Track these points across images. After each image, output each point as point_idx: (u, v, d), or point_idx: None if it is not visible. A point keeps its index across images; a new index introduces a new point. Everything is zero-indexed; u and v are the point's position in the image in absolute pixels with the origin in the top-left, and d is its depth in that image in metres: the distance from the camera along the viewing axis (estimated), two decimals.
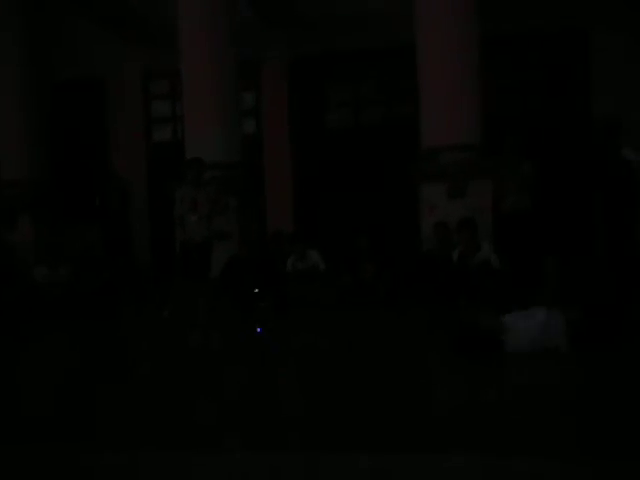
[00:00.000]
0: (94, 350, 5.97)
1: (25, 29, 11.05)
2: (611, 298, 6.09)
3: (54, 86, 12.39)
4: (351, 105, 12.63)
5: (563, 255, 8.97)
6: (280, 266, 8.40)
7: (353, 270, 8.45)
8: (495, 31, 10.17)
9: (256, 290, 7.70)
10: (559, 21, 11.11)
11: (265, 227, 11.20)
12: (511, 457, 2.56)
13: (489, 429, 2.91)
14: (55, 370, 5.02)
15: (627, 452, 2.55)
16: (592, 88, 11.21)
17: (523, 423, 2.96)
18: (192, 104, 9.57)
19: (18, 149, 10.90)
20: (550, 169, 10.35)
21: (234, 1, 9.82)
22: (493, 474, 2.50)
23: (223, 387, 4.18)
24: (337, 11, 11.33)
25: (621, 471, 2.46)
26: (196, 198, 7.69)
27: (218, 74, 9.48)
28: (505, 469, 2.50)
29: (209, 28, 9.47)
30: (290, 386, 4.22)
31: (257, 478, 2.62)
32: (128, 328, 7.55)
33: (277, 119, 12.35)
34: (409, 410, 3.31)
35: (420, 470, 2.54)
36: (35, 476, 2.85)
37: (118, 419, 3.39)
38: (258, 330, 6.18)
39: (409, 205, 9.67)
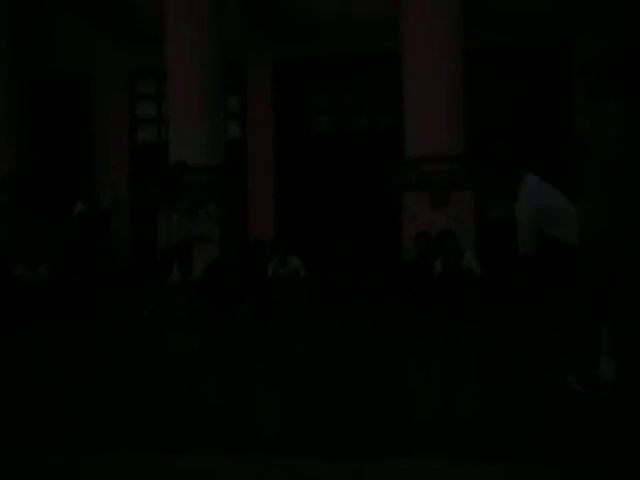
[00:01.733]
0: (71, 351, 5.94)
1: (10, 23, 10.97)
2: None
3: (40, 81, 12.30)
4: (335, 112, 12.67)
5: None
6: (261, 271, 8.41)
7: (334, 277, 8.49)
8: (479, 43, 10.28)
9: (243, 310, 7.75)
10: (542, 34, 11.23)
11: (247, 232, 11.19)
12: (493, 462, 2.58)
13: (466, 434, 2.94)
14: (30, 372, 4.98)
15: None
16: (574, 101, 11.34)
17: (500, 428, 2.99)
18: (177, 105, 9.58)
19: (1, 143, 10.84)
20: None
21: (222, 3, 9.84)
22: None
23: (200, 390, 4.17)
24: (323, 16, 11.38)
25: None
26: (178, 199, 7.70)
27: (204, 76, 9.50)
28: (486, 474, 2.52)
29: (196, 29, 9.51)
30: (268, 391, 4.23)
31: None
32: (107, 328, 7.52)
33: (262, 123, 12.34)
34: (387, 416, 3.32)
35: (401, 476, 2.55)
36: None
37: (92, 421, 3.37)
38: None
39: (391, 213, 9.74)
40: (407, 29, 9.03)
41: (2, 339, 6.75)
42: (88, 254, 10.00)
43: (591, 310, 3.70)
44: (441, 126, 8.77)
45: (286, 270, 8.51)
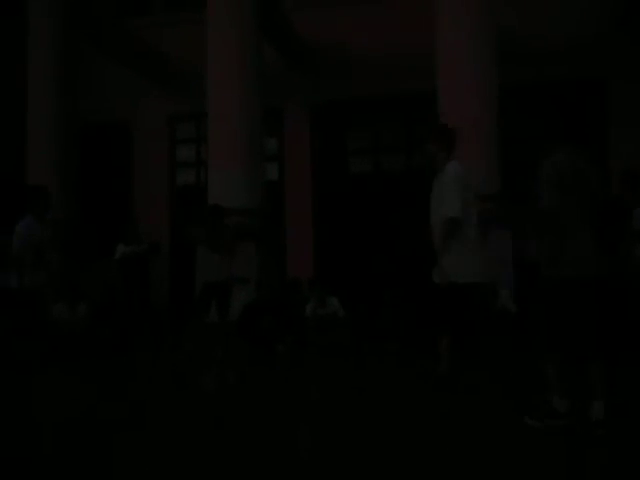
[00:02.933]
0: (107, 391, 5.95)
1: (58, 74, 11.34)
2: None
3: (84, 128, 12.65)
4: (372, 152, 12.75)
5: None
6: (299, 311, 8.41)
7: (373, 318, 8.44)
8: (513, 79, 10.27)
9: (282, 349, 7.74)
10: (577, 70, 11.20)
11: (285, 272, 11.23)
12: None
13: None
14: (65, 412, 5.00)
15: None
16: (610, 137, 11.24)
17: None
18: (216, 149, 9.73)
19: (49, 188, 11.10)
20: None
21: (260, 47, 10.07)
22: None
23: (234, 433, 4.13)
24: (358, 58, 11.57)
25: None
26: (217, 242, 7.76)
27: (243, 119, 9.65)
28: None
29: (236, 74, 9.68)
30: (296, 434, 4.18)
31: None
32: (143, 369, 7.53)
33: (299, 165, 12.49)
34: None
35: None
36: None
37: (126, 464, 3.37)
38: None
39: (431, 252, 9.67)
40: (443, 65, 9.09)
41: (36, 378, 6.77)
42: (127, 295, 10.14)
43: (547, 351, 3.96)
44: (478, 165, 8.72)
45: (325, 311, 8.50)
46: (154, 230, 11.64)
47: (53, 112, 11.26)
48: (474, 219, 4.98)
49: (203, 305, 7.89)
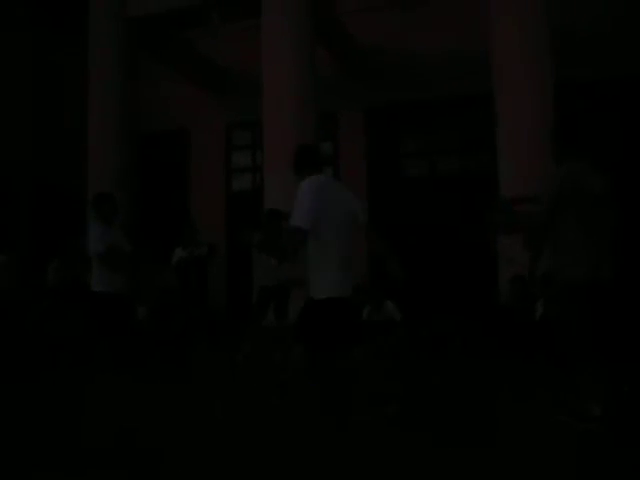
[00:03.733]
0: (163, 396, 6.03)
1: (120, 85, 11.64)
2: None
3: (144, 137, 12.95)
4: (427, 154, 12.68)
5: None
6: (357, 315, 8.40)
7: (430, 322, 8.39)
8: (569, 76, 10.07)
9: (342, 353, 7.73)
10: (636, 66, 10.91)
11: None
12: None
13: None
14: (122, 418, 5.09)
15: None
16: None
17: None
18: (272, 154, 9.83)
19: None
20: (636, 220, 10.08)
21: (314, 53, 10.13)
22: None
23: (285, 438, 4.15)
24: (411, 60, 11.53)
25: None
26: (274, 246, 7.80)
27: (298, 125, 9.73)
28: None
29: (291, 79, 9.78)
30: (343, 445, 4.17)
31: None
32: (201, 373, 7.63)
33: (354, 168, 12.51)
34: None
35: None
36: None
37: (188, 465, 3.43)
38: None
39: (487, 257, 9.56)
40: (498, 68, 8.99)
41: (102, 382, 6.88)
42: (185, 299, 10.29)
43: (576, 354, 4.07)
44: (535, 165, 8.57)
45: (381, 315, 8.47)
46: (211, 234, 11.80)
47: (114, 122, 11.55)
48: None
49: (261, 308, 7.96)
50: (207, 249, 10.28)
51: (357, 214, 4.56)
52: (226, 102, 13.23)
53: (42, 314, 9.39)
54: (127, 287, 6.34)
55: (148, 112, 12.83)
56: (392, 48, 11.66)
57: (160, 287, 10.63)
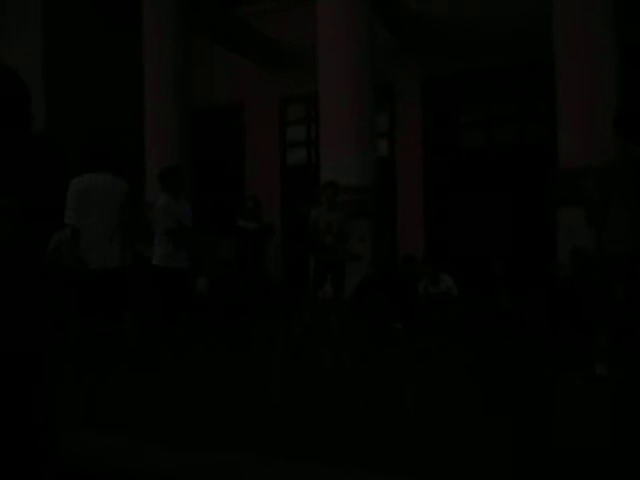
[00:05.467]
0: (224, 364, 6.16)
1: (174, 61, 11.77)
2: None
3: (199, 112, 13.09)
4: (484, 125, 12.48)
5: None
6: (412, 288, 8.43)
7: (488, 295, 8.34)
8: (635, 41, 9.72)
9: (398, 327, 7.79)
10: None
11: (397, 249, 11.25)
12: None
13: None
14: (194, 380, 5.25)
15: None
16: None
17: None
18: (328, 128, 9.84)
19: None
20: None
21: (370, 24, 10.05)
22: None
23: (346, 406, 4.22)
24: (468, 29, 11.32)
25: None
26: (331, 221, 7.88)
27: (354, 97, 9.68)
28: None
29: (347, 51, 9.71)
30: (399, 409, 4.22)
31: None
32: (260, 344, 7.77)
33: (410, 140, 12.39)
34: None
35: None
36: None
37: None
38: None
39: (546, 229, 9.42)
40: (559, 33, 8.74)
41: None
42: (243, 270, 10.45)
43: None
44: (596, 135, 8.34)
45: (438, 288, 8.47)
46: (266, 209, 11.90)
47: (170, 99, 11.71)
48: None
49: (318, 282, 8.06)
50: (265, 227, 10.36)
51: None
52: (280, 76, 13.26)
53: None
54: (189, 261, 6.43)
55: (203, 88, 12.95)
56: (448, 18, 11.45)
57: (219, 258, 10.83)
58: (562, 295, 7.78)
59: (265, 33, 12.85)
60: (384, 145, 12.51)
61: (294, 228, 12.09)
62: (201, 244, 10.50)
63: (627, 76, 9.09)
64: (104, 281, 5.31)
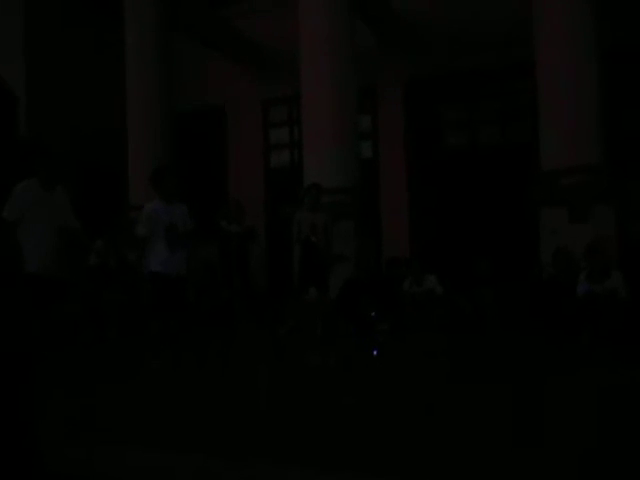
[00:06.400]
0: (209, 367, 6.12)
1: (156, 63, 11.70)
2: None
3: (180, 114, 13.03)
4: (466, 126, 12.55)
5: None
6: (397, 289, 8.44)
7: (471, 295, 8.37)
8: (615, 43, 9.82)
9: (373, 314, 7.79)
10: None
11: (381, 250, 11.25)
12: None
13: None
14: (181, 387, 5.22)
15: None
16: None
17: None
18: (311, 129, 9.83)
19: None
20: None
21: (352, 26, 10.05)
22: None
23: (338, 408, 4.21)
24: (451, 31, 11.36)
25: None
26: (314, 222, 7.87)
27: (337, 99, 9.68)
28: None
29: (329, 53, 9.71)
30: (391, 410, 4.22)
31: None
32: (246, 347, 7.74)
33: (393, 141, 12.43)
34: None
35: None
36: None
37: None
38: (374, 352, 6.27)
39: (529, 229, 9.48)
40: (540, 34, 8.80)
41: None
42: (226, 274, 10.39)
43: None
44: (578, 135, 8.40)
45: (422, 288, 8.49)
46: (250, 211, 11.85)
47: (151, 101, 11.65)
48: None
49: (303, 283, 8.04)
50: (247, 231, 10.29)
51: None
52: (262, 78, 13.23)
53: (84, 295, 9.51)
54: (182, 266, 6.23)
55: (185, 90, 12.90)
56: (430, 19, 11.48)
57: (202, 261, 10.77)
58: (545, 294, 7.83)
59: (247, 34, 12.82)
60: (367, 146, 12.53)
61: (278, 230, 12.06)
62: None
63: (608, 77, 9.20)
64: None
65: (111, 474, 3.18)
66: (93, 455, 3.30)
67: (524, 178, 9.69)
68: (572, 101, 8.45)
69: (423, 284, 8.52)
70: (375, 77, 12.11)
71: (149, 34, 11.65)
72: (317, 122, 9.71)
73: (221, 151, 14.15)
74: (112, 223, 10.12)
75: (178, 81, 12.34)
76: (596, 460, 2.91)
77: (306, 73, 9.87)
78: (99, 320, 8.93)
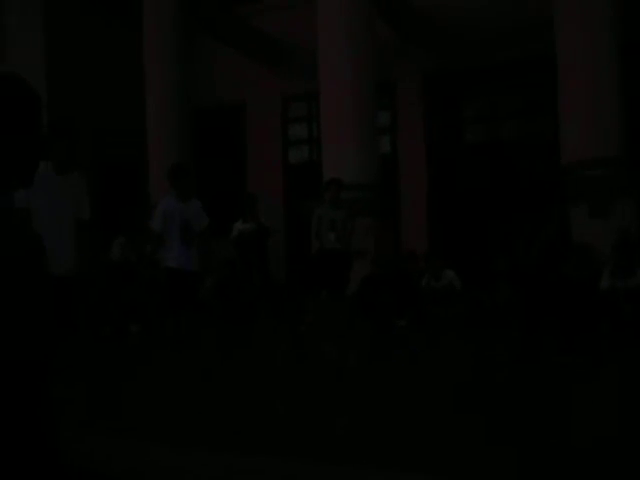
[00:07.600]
0: (232, 362, 6.17)
1: (177, 59, 11.77)
2: None
3: (200, 111, 13.09)
4: (487, 120, 12.46)
5: None
6: (415, 284, 8.44)
7: (490, 290, 8.35)
8: (635, 36, 9.69)
9: (402, 324, 7.80)
10: None
11: (400, 245, 11.24)
12: None
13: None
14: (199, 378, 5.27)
15: None
16: None
17: None
18: (330, 125, 9.83)
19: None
20: None
21: (371, 21, 10.04)
22: None
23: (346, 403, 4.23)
24: (470, 25, 11.29)
25: None
26: (334, 218, 7.89)
27: (355, 95, 9.68)
28: None
29: (348, 49, 9.70)
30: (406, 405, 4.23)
31: None
32: (266, 341, 7.77)
33: (412, 136, 12.38)
34: None
35: None
36: None
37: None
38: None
39: (549, 224, 9.39)
40: (561, 27, 8.73)
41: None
42: (246, 271, 10.44)
43: None
44: (599, 129, 8.33)
45: (440, 283, 8.49)
46: (269, 207, 11.88)
47: (171, 98, 11.73)
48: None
49: (322, 279, 8.07)
50: (263, 229, 10.30)
51: None
52: (281, 75, 13.25)
53: (103, 291, 9.60)
54: (199, 262, 6.30)
55: (204, 87, 12.96)
56: (449, 12, 11.41)
57: (222, 259, 10.83)
58: (564, 291, 7.77)
59: (266, 31, 12.84)
60: (386, 142, 12.49)
61: (297, 226, 12.08)
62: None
63: (629, 70, 9.09)
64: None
65: (133, 470, 3.23)
66: (109, 449, 3.36)
67: (545, 172, 9.62)
68: (592, 94, 8.38)
69: (441, 279, 8.51)
70: (394, 72, 12.06)
71: (168, 32, 11.72)
72: (336, 118, 9.71)
73: (241, 147, 14.20)
74: (133, 220, 10.23)
75: (198, 78, 12.41)
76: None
77: (325, 69, 9.87)
78: (120, 316, 9.04)
